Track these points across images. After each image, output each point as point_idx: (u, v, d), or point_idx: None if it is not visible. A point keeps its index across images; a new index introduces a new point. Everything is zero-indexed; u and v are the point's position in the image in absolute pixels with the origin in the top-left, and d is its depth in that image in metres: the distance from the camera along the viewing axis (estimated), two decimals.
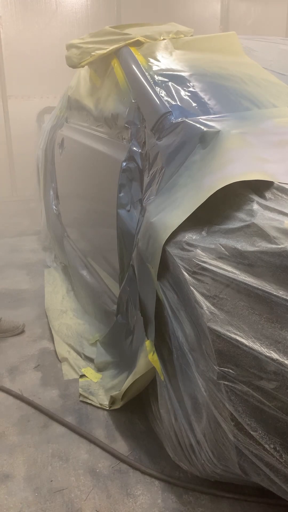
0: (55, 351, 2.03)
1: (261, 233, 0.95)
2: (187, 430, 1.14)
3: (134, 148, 1.55)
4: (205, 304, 0.95)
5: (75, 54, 2.00)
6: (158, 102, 1.52)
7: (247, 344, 0.90)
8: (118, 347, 1.73)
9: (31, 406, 1.66)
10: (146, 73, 1.68)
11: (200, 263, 0.99)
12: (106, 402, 1.65)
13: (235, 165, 1.10)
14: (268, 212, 0.98)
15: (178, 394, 1.15)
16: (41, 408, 1.64)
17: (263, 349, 0.89)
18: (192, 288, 0.98)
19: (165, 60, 1.77)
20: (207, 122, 1.32)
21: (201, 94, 1.55)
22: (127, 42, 1.89)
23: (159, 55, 1.79)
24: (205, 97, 1.54)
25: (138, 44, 1.90)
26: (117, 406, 1.62)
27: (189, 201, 1.11)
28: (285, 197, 1.01)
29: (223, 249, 0.98)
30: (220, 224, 1.04)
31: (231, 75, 1.65)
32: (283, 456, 0.91)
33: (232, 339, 0.91)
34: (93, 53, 1.93)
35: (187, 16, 5.38)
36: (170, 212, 1.16)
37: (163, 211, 1.19)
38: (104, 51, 1.90)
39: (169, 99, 1.53)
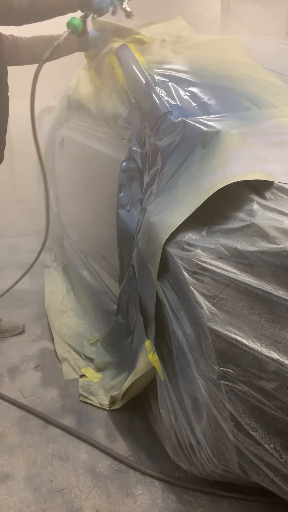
0: (55, 351, 2.03)
1: (261, 233, 0.95)
2: (187, 430, 1.14)
3: (134, 148, 1.55)
4: (205, 304, 0.95)
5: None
6: (158, 102, 1.52)
7: (247, 344, 0.90)
8: (118, 347, 1.73)
9: (25, 410, 1.65)
10: (146, 73, 1.68)
11: (200, 263, 0.99)
12: (106, 402, 1.65)
13: (235, 165, 1.10)
14: (268, 212, 0.98)
15: (178, 394, 1.15)
16: (35, 412, 1.63)
17: (263, 349, 0.89)
18: (192, 288, 0.98)
19: (165, 60, 1.77)
20: (207, 122, 1.32)
21: (201, 94, 1.55)
22: (126, 40, 1.89)
23: (159, 55, 1.79)
24: (205, 97, 1.54)
25: (138, 43, 1.90)
26: (117, 406, 1.62)
27: (189, 201, 1.11)
28: (285, 197, 1.01)
29: (223, 249, 0.98)
30: (220, 224, 1.04)
31: (231, 75, 1.65)
32: (283, 456, 0.91)
33: (232, 339, 0.91)
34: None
35: (187, 16, 5.34)
36: (170, 212, 1.16)
37: (163, 211, 1.19)
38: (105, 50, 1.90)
39: (169, 99, 1.53)
